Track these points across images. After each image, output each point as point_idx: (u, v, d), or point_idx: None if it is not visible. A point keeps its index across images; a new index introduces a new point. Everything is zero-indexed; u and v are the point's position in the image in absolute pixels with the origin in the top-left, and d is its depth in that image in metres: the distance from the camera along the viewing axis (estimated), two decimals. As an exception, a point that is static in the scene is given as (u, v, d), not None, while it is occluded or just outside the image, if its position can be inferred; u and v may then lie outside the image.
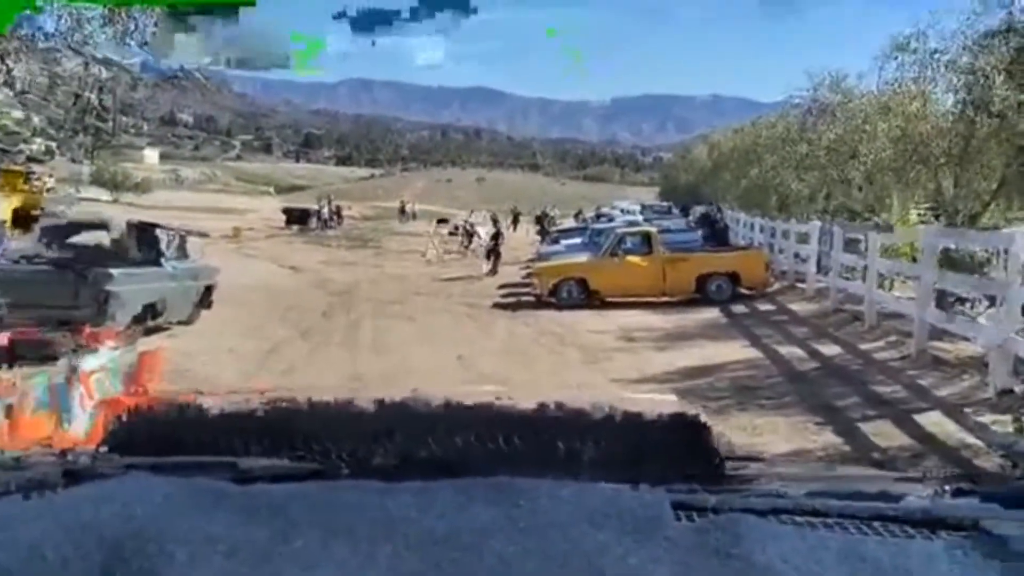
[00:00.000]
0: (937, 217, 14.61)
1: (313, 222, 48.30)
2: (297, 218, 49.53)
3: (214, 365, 9.98)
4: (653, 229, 17.95)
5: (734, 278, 16.66)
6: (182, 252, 13.18)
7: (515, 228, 48.01)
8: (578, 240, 24.17)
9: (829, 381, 9.04)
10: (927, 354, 9.61)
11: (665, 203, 49.96)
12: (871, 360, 10.02)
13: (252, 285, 21.47)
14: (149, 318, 11.51)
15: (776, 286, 17.70)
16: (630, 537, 0.82)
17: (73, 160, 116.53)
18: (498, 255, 24.48)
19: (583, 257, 18.27)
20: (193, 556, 0.78)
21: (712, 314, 15.28)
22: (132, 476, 0.99)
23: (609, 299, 16.67)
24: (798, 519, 0.93)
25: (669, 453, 1.15)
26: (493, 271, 23.97)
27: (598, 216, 32.99)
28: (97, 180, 64.68)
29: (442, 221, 39.69)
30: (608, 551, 0.79)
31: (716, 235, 20.28)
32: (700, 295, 16.61)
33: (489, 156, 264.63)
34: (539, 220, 41.35)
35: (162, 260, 12.20)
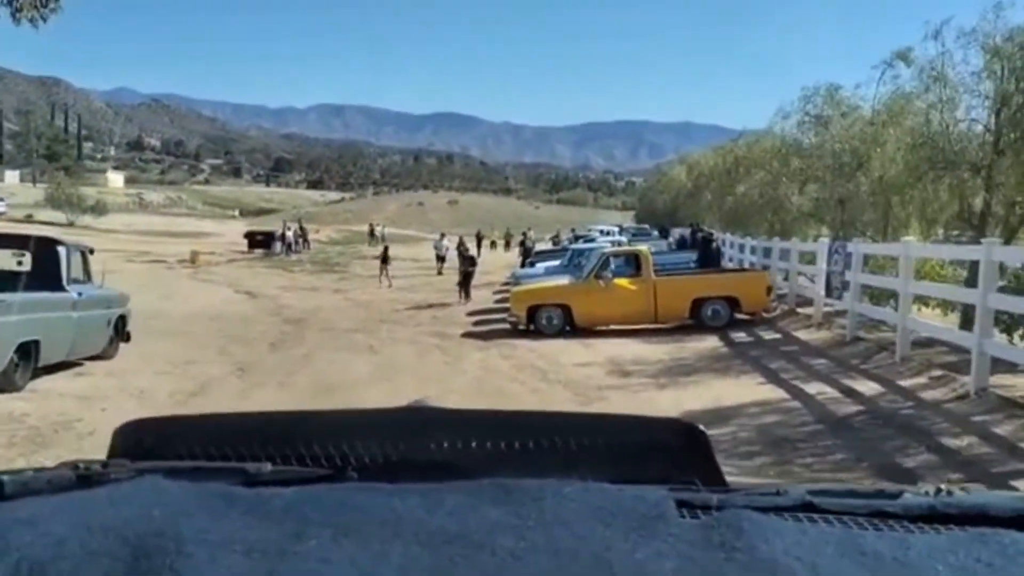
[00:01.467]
0: (962, 232, 13.07)
1: (277, 246, 46.90)
2: (260, 242, 48.15)
3: (115, 412, 7.99)
4: (644, 248, 16.15)
5: (732, 302, 14.95)
6: (87, 274, 11.14)
7: (507, 248, 46.33)
8: (557, 262, 22.40)
9: (883, 431, 7.26)
10: (990, 393, 7.88)
11: (643, 226, 48.52)
12: (921, 401, 8.26)
13: (197, 313, 19.78)
14: (30, 361, 9.35)
15: (775, 311, 15.99)
16: (636, 533, 0.82)
17: (34, 183, 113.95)
18: (468, 280, 22.62)
19: (564, 280, 16.46)
20: (212, 555, 0.78)
21: (711, 343, 13.54)
22: (147, 479, 0.99)
23: (594, 327, 14.93)
24: (799, 515, 0.93)
25: (669, 457, 1.16)
26: (465, 296, 22.13)
27: (576, 238, 31.20)
28: (51, 202, 62.31)
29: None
30: (615, 546, 0.79)
31: (709, 256, 18.52)
32: (694, 321, 14.88)
33: (462, 181, 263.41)
34: (523, 243, 39.91)
35: (63, 284, 10.12)
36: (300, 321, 19.17)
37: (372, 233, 57.89)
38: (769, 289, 15.36)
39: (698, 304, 14.89)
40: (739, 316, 15.07)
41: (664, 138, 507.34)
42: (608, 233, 33.15)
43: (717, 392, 9.19)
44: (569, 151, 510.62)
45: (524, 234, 42.55)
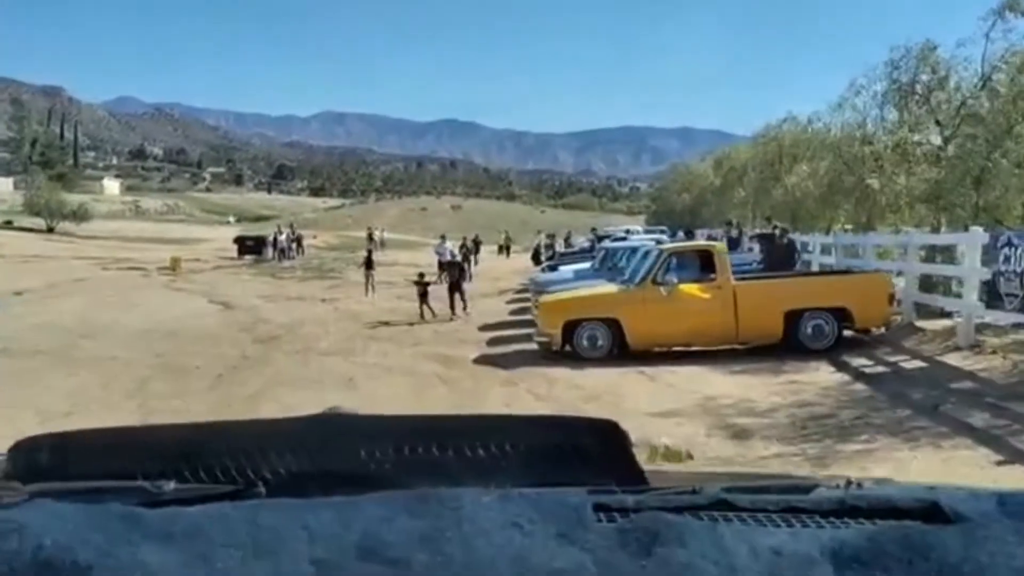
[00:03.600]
0: None
1: (269, 252, 44.44)
2: (251, 247, 45.98)
3: None
4: (718, 245, 12.11)
5: (840, 315, 11.04)
6: None
7: (507, 255, 42.55)
8: (586, 265, 18.43)
9: None
10: None
11: (660, 227, 44.55)
12: None
13: (151, 329, 16.32)
14: None
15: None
16: (554, 541, 0.81)
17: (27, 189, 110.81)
18: (460, 290, 18.57)
19: (607, 287, 12.49)
20: None
21: (829, 375, 9.64)
22: (38, 503, 0.93)
23: (652, 348, 11.06)
24: (714, 514, 0.92)
25: (588, 458, 1.14)
26: (452, 311, 18.15)
27: (599, 239, 27.18)
28: (29, 207, 58.82)
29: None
30: (534, 556, 0.79)
31: (778, 256, 14.49)
32: (787, 340, 11.00)
33: (466, 187, 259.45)
34: (549, 245, 36.14)
35: None
36: (272, 340, 15.47)
37: (371, 237, 53.84)
38: (891, 297, 11.36)
39: (793, 318, 10.98)
40: (850, 333, 11.17)
41: (666, 143, 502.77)
42: (633, 233, 28.97)
43: (935, 479, 5.25)
44: (571, 157, 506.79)
45: (551, 236, 38.87)
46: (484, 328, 16.14)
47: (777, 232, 15.27)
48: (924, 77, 15.95)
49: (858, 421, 7.15)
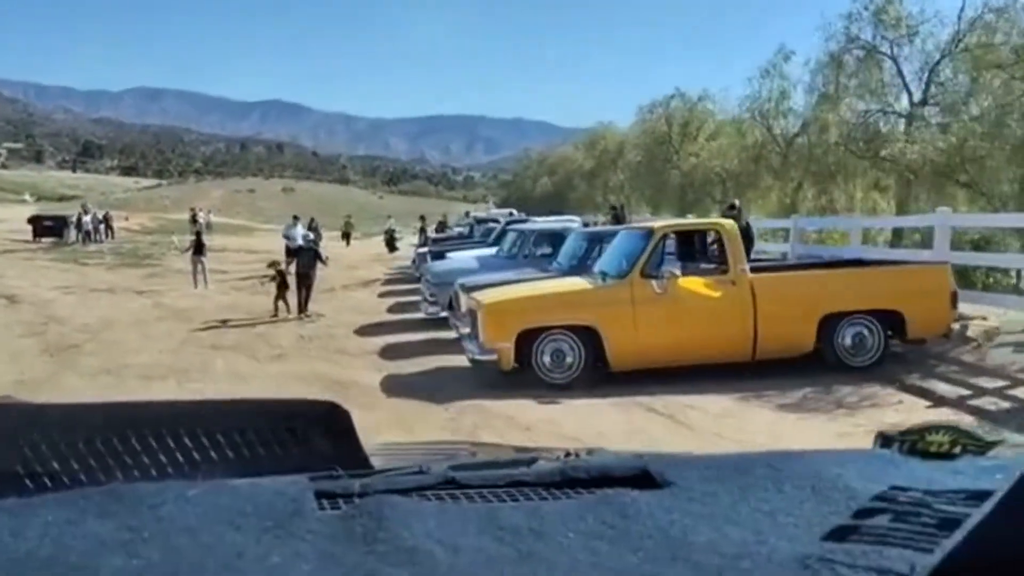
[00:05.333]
0: None
1: (72, 234, 39.84)
2: (49, 229, 41.24)
3: None
4: (727, 223, 8.80)
5: (891, 320, 8.13)
6: None
7: (347, 242, 38.37)
8: (486, 251, 14.85)
9: None
10: None
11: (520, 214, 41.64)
12: None
13: None
14: None
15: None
16: (271, 534, 0.77)
17: None
18: (310, 283, 14.61)
19: (578, 282, 8.88)
20: None
21: (925, 409, 6.68)
22: None
23: (642, 367, 7.78)
24: (441, 494, 0.91)
25: (311, 443, 1.08)
26: (303, 308, 14.24)
27: (478, 222, 23.69)
28: None
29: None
30: (247, 552, 0.74)
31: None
32: (822, 354, 8.02)
33: (295, 170, 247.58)
34: (432, 228, 32.41)
35: None
36: (69, 350, 11.37)
37: (194, 220, 47.84)
38: (954, 297, 8.51)
39: (828, 323, 7.98)
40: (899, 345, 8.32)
41: (499, 133, 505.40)
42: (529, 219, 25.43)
43: None
44: (404, 144, 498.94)
45: (436, 220, 35.13)
46: (363, 332, 12.41)
47: (735, 212, 12.32)
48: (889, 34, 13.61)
49: None
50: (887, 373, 7.86)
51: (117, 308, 16.12)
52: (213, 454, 1.03)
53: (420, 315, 13.32)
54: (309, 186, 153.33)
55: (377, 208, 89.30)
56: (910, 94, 13.19)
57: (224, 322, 13.73)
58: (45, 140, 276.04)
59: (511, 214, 25.60)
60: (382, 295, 18.28)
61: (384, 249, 33.97)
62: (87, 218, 40.40)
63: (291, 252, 19.41)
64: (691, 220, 9.75)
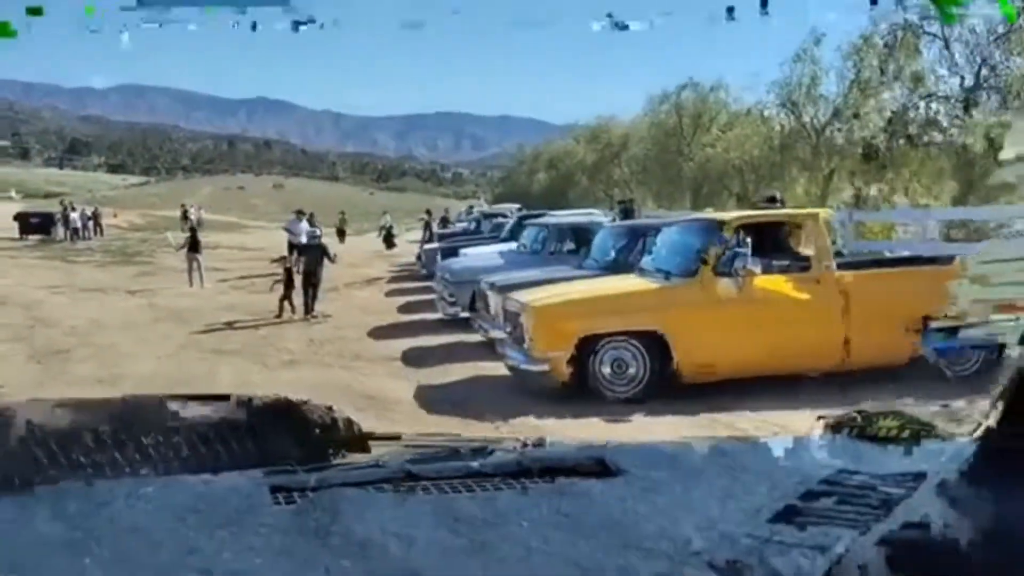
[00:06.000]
0: None
1: (60, 231, 39.07)
2: (36, 226, 40.28)
3: None
4: (821, 212, 7.79)
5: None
6: None
7: (342, 239, 37.39)
8: (506, 246, 13.90)
9: None
10: None
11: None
12: None
13: None
14: None
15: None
16: (225, 530, 0.76)
17: None
18: (316, 282, 13.69)
19: (641, 282, 7.80)
20: None
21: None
22: None
23: (714, 378, 6.86)
24: (398, 487, 0.90)
25: (267, 437, 1.08)
26: (309, 309, 13.31)
27: (486, 216, 22.70)
28: None
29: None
30: (200, 548, 0.73)
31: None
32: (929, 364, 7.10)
33: (283, 167, 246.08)
34: (434, 222, 31.54)
35: None
36: (57, 356, 10.56)
37: (185, 216, 46.80)
38: None
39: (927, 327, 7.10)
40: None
41: (485, 131, 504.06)
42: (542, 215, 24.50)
43: None
44: (392, 141, 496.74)
45: (437, 215, 34.07)
46: (377, 335, 11.49)
47: (778, 205, 11.39)
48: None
49: None
50: (982, 376, 6.99)
51: (108, 309, 15.20)
52: (166, 450, 0.99)
53: (436, 316, 12.42)
54: (299, 183, 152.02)
55: (368, 205, 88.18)
56: (962, 78, 12.38)
57: (228, 324, 12.81)
58: (31, 138, 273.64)
59: (519, 209, 24.66)
60: (389, 294, 17.36)
61: (381, 246, 33.05)
62: (75, 215, 39.72)
63: (295, 249, 18.44)
64: (770, 211, 8.77)
